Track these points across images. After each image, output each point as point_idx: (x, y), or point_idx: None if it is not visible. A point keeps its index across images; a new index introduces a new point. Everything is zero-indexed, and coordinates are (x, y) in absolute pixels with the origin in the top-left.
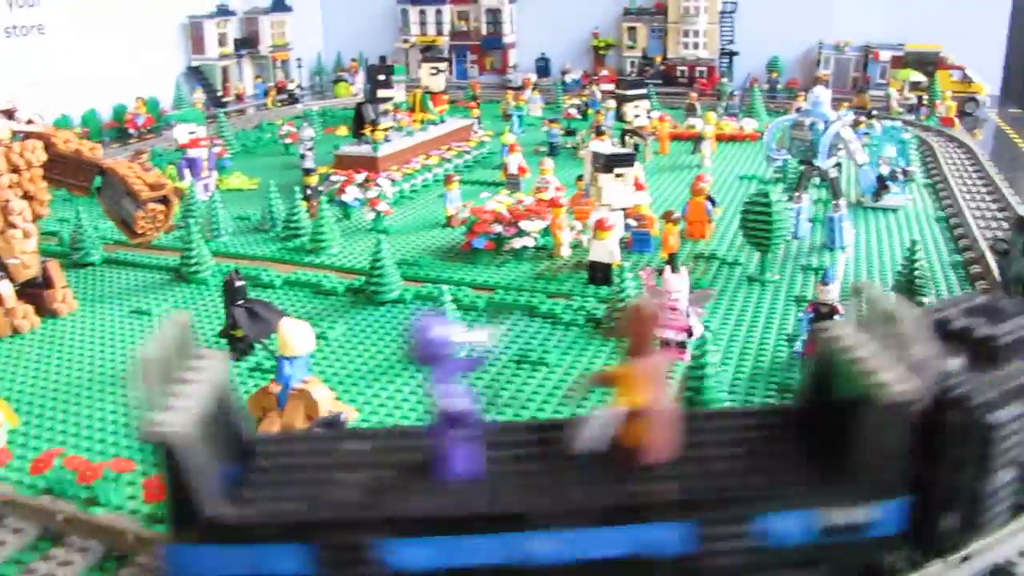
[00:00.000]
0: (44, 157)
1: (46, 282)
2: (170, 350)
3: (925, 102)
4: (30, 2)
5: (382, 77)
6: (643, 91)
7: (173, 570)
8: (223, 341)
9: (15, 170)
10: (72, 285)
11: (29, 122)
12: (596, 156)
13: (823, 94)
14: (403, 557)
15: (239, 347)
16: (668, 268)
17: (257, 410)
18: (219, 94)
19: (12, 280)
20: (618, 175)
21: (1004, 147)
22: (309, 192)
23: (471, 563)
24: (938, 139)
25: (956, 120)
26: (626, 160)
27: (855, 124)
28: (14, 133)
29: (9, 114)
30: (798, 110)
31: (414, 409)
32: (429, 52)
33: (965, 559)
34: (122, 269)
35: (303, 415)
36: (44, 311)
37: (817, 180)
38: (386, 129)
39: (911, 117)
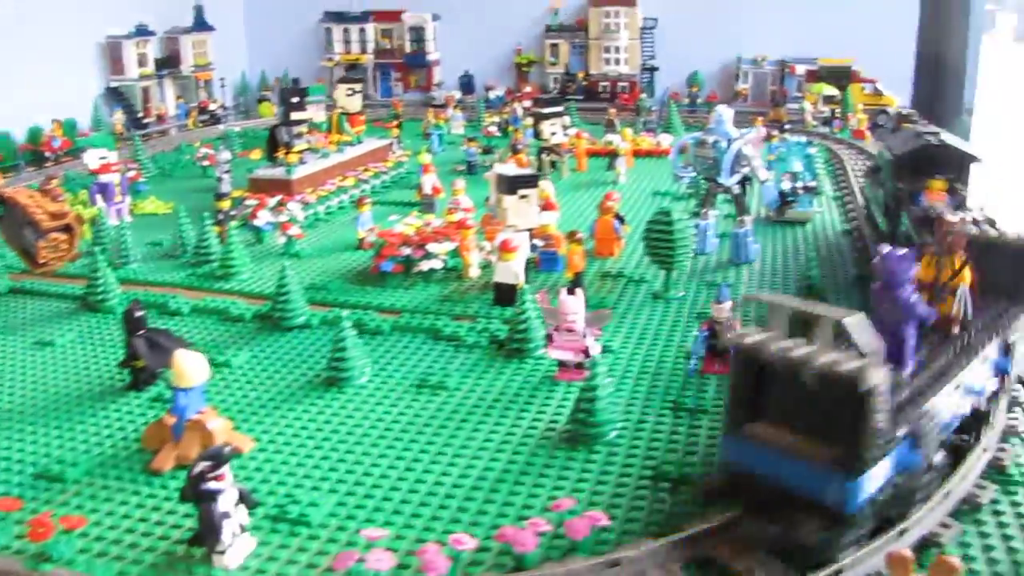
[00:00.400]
0: None
1: None
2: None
3: (838, 115)
4: None
5: (295, 100)
6: (559, 109)
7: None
8: (125, 372)
9: None
10: None
11: None
12: (500, 178)
13: (726, 113)
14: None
15: (140, 377)
16: (564, 291)
17: (154, 442)
18: (140, 115)
19: None
20: (522, 196)
21: None
22: (221, 217)
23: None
24: (849, 151)
25: (868, 132)
26: (530, 181)
27: (768, 138)
28: None
29: None
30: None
31: (312, 437)
32: (351, 71)
33: (838, 572)
34: (28, 299)
35: (199, 446)
36: None
37: (724, 196)
38: (300, 151)
39: (825, 130)
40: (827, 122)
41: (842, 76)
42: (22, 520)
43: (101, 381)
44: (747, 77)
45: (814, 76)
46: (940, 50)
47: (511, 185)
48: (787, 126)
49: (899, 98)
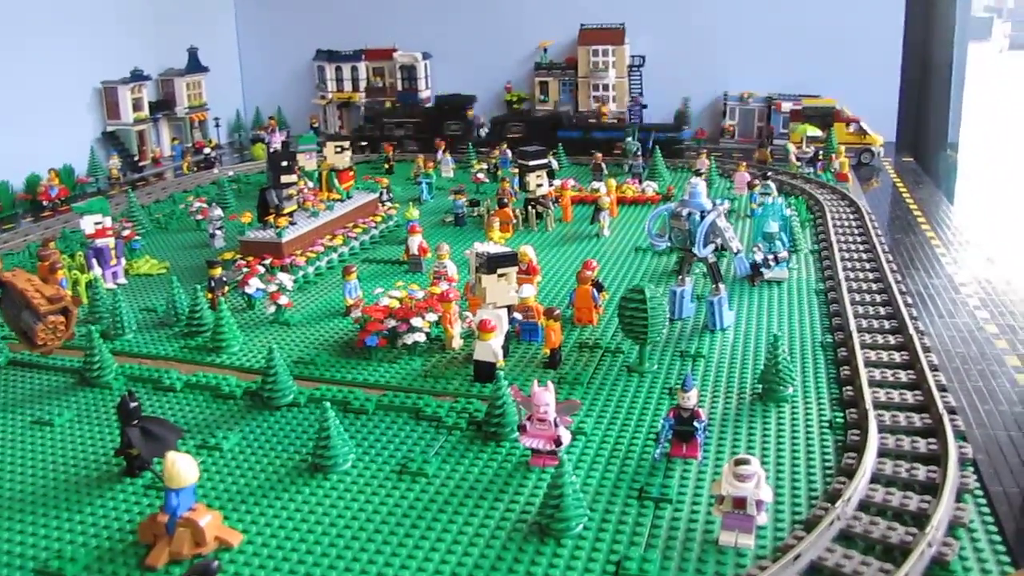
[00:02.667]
0: None
1: None
2: None
3: (821, 156)
4: None
5: (284, 164)
6: (544, 161)
7: None
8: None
9: None
10: None
11: None
12: (479, 256)
13: (700, 186)
14: None
15: (135, 464)
16: (536, 383)
17: (148, 536)
18: (135, 158)
19: None
20: (501, 275)
21: (895, 203)
22: (213, 284)
23: None
24: (831, 197)
25: (850, 175)
26: (508, 261)
27: (750, 185)
28: None
29: None
30: (698, 172)
31: (297, 528)
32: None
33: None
34: (26, 372)
35: (191, 542)
36: None
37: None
38: (290, 213)
39: (809, 171)
40: (811, 162)
41: (826, 116)
42: None
43: (98, 465)
44: (734, 114)
45: (798, 116)
46: (924, 87)
47: (490, 264)
48: (769, 173)
49: (883, 136)
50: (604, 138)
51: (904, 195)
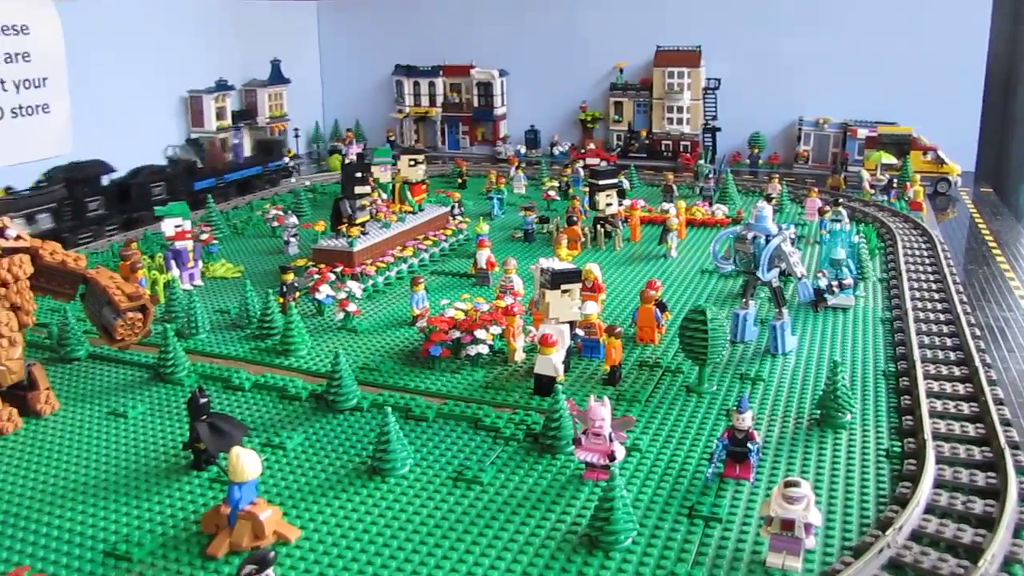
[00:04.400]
0: (31, 270)
1: (31, 384)
2: None
3: (896, 184)
4: (36, 84)
5: (359, 175)
6: (614, 180)
7: None
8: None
9: (3, 284)
10: (57, 381)
11: (18, 238)
12: (543, 272)
13: (766, 210)
14: None
15: (202, 458)
16: (592, 398)
17: (210, 527)
18: None
19: None
20: (564, 291)
21: (971, 234)
22: (285, 289)
23: None
24: (904, 226)
25: (925, 204)
26: (572, 277)
27: (821, 212)
28: (3, 249)
29: None
30: (769, 198)
31: (353, 527)
32: (416, 139)
33: None
34: (104, 365)
35: (250, 534)
36: (28, 412)
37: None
38: (363, 223)
39: (882, 199)
40: (885, 190)
41: (902, 144)
42: None
43: (167, 457)
44: (809, 139)
45: (874, 143)
46: (1007, 116)
47: (554, 280)
48: (841, 199)
49: (960, 165)
50: (239, 178)
51: (980, 226)
